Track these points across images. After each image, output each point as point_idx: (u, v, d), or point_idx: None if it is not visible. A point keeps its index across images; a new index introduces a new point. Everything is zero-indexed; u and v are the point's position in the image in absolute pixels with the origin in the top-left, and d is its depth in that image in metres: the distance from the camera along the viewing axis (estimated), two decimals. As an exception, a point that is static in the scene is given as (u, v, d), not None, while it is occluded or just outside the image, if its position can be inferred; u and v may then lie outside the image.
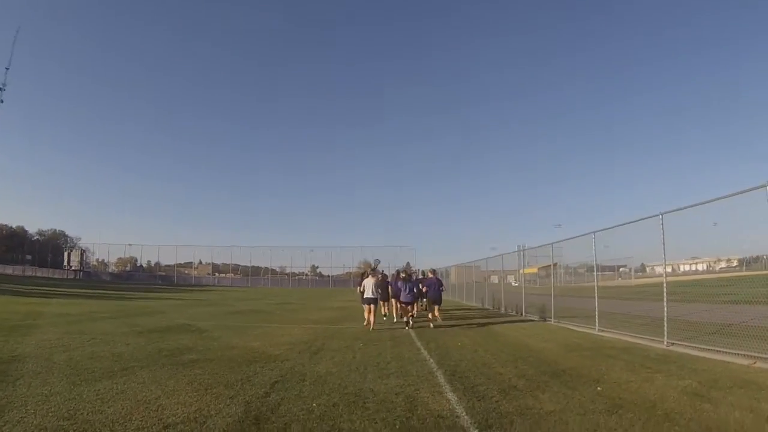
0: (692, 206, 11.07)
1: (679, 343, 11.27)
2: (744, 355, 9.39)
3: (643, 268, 38.42)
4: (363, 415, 5.85)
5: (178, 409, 5.99)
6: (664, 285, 11.78)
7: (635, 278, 39.59)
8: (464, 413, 5.91)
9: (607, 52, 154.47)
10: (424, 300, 18.88)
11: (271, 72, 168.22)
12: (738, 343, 9.93)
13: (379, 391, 7.09)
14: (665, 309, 11.64)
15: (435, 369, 8.94)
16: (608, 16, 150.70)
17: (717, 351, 10.10)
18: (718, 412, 5.89)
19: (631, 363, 9.41)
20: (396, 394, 6.95)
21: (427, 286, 17.86)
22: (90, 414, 5.71)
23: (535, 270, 33.79)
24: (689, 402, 6.38)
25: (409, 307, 17.43)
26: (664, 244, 11.80)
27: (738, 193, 9.77)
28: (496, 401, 6.51)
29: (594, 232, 15.44)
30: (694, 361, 9.45)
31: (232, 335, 13.69)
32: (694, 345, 10.88)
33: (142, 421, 5.47)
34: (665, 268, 12.15)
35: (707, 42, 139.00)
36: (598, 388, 7.25)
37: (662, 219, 11.74)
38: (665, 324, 11.56)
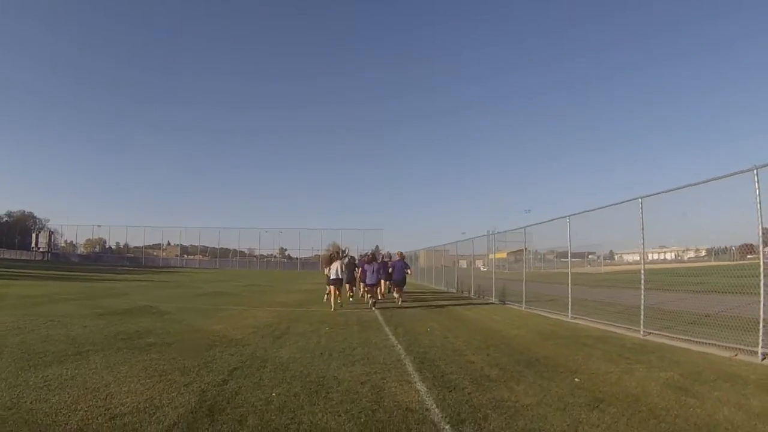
0: (673, 190, 10.73)
1: (656, 332, 11.02)
2: (724, 346, 9.12)
3: (611, 255, 38.66)
4: (325, 406, 5.44)
5: (128, 397, 5.56)
6: (642, 272, 11.52)
7: (604, 266, 39.72)
8: (434, 406, 5.51)
9: (580, 35, 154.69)
10: (389, 282, 19.62)
11: (238, 53, 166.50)
12: (716, 334, 9.68)
13: (343, 380, 6.68)
14: (642, 297, 11.36)
15: (403, 356, 8.55)
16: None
17: (696, 342, 9.84)
18: (705, 408, 5.58)
19: (608, 353, 9.11)
20: (362, 383, 6.53)
21: (392, 268, 18.88)
22: (34, 403, 5.31)
23: (504, 255, 33.72)
24: (674, 397, 6.06)
25: (374, 289, 18.14)
26: (643, 229, 11.46)
27: (724, 177, 9.42)
28: (469, 393, 6.13)
29: (569, 216, 15.10)
30: (674, 352, 9.19)
31: (195, 318, 13.24)
32: (671, 335, 10.62)
33: (87, 411, 5.07)
34: (643, 255, 11.86)
35: (686, 23, 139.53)
36: (576, 380, 6.91)
37: (641, 203, 11.42)
38: (642, 313, 11.27)
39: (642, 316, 11.28)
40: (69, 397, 5.51)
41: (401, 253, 20.24)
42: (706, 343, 9.62)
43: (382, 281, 19.30)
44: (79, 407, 5.17)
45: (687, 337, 10.17)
